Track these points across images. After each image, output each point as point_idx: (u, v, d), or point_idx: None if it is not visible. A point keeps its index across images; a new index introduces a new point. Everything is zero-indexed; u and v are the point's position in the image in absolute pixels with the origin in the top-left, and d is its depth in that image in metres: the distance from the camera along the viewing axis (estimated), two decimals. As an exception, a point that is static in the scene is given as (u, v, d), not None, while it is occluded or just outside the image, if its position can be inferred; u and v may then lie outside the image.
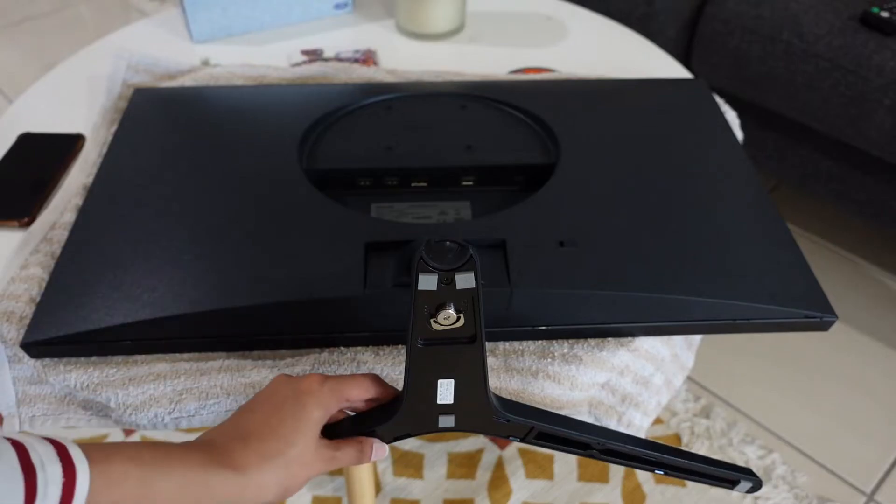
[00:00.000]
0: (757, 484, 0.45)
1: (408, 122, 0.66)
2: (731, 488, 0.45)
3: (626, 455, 0.43)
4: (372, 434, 0.43)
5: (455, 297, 0.37)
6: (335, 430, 0.43)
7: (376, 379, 0.43)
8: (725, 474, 0.44)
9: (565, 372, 0.51)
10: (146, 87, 0.72)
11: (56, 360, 0.50)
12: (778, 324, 0.51)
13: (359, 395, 0.42)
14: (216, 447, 0.40)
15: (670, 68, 0.85)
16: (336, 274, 0.49)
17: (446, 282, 0.36)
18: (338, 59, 0.85)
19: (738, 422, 1.05)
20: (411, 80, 0.78)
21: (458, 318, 0.37)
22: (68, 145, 0.69)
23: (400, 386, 0.42)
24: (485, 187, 0.62)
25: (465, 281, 0.36)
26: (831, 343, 1.16)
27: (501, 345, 0.52)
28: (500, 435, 0.42)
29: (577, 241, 0.52)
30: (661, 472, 0.45)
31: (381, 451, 0.43)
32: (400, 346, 0.52)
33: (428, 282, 0.36)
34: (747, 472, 0.44)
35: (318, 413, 0.40)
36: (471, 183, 0.62)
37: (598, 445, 0.43)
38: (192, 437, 0.42)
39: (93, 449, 0.36)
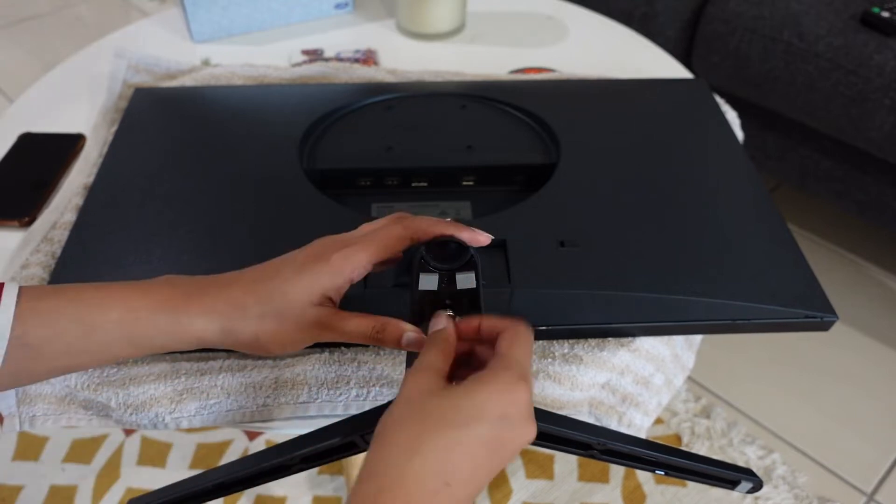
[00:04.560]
0: (757, 484, 0.45)
1: (408, 122, 0.66)
2: (732, 489, 0.45)
3: (626, 455, 0.43)
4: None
5: (456, 297, 0.37)
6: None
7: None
8: (726, 475, 0.44)
9: (566, 372, 0.51)
10: (146, 87, 0.72)
11: (56, 360, 0.50)
12: (778, 324, 0.51)
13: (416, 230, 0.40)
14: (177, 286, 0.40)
15: (670, 68, 0.85)
16: (336, 274, 0.49)
17: (447, 282, 0.36)
18: (338, 58, 0.85)
19: (738, 422, 1.05)
20: (411, 80, 0.78)
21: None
22: (69, 145, 0.69)
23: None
24: (485, 187, 0.62)
25: (465, 281, 0.36)
26: (831, 343, 1.16)
27: (502, 345, 0.52)
28: None
29: (577, 242, 0.52)
30: (662, 473, 0.44)
31: (414, 339, 0.38)
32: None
33: (428, 281, 0.36)
34: (748, 473, 0.44)
35: (331, 274, 0.39)
36: (471, 183, 0.62)
37: (598, 445, 0.42)
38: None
39: (31, 289, 0.39)
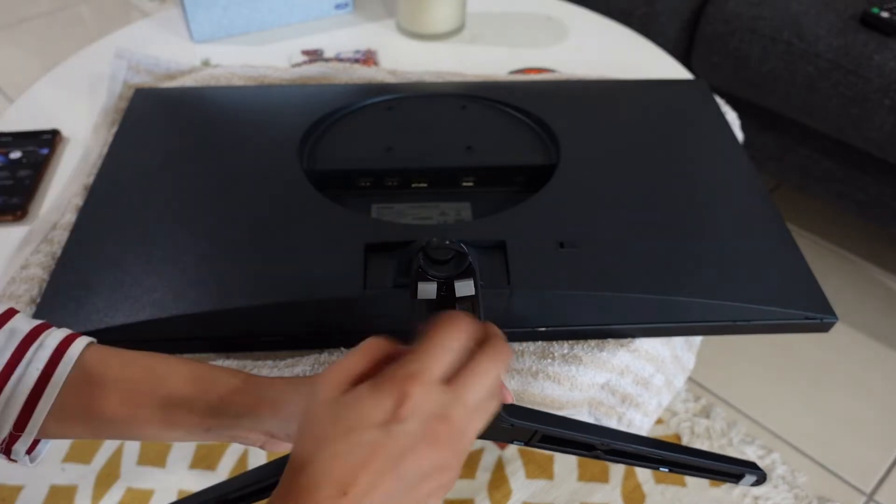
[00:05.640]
0: (761, 477, 0.44)
1: (408, 122, 0.66)
2: (736, 482, 0.45)
3: (630, 454, 0.43)
4: None
5: (455, 303, 0.36)
6: None
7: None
8: (730, 469, 0.44)
9: (565, 372, 0.51)
10: (147, 88, 0.72)
11: (56, 360, 0.50)
12: (778, 325, 0.51)
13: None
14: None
15: (670, 68, 0.85)
16: (336, 274, 0.49)
17: (445, 290, 0.36)
18: (338, 59, 0.85)
19: (738, 422, 1.05)
20: (412, 81, 0.78)
21: None
22: (46, 139, 0.69)
23: None
24: (485, 188, 0.62)
25: (464, 288, 0.36)
26: (831, 343, 1.16)
27: (501, 345, 0.52)
28: (505, 440, 0.42)
29: (577, 243, 0.52)
30: (666, 470, 0.44)
31: None
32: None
33: (427, 290, 0.36)
34: (751, 466, 0.45)
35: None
36: (471, 184, 0.62)
37: (602, 446, 0.42)
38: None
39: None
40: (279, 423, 0.39)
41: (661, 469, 0.44)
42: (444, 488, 0.32)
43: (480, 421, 0.34)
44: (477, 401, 0.33)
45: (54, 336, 0.38)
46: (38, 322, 0.39)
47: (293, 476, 0.30)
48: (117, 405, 0.38)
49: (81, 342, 0.39)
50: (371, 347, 0.34)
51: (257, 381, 0.40)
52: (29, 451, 0.38)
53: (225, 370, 0.41)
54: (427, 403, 0.30)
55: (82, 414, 0.38)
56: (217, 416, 0.39)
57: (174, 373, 0.39)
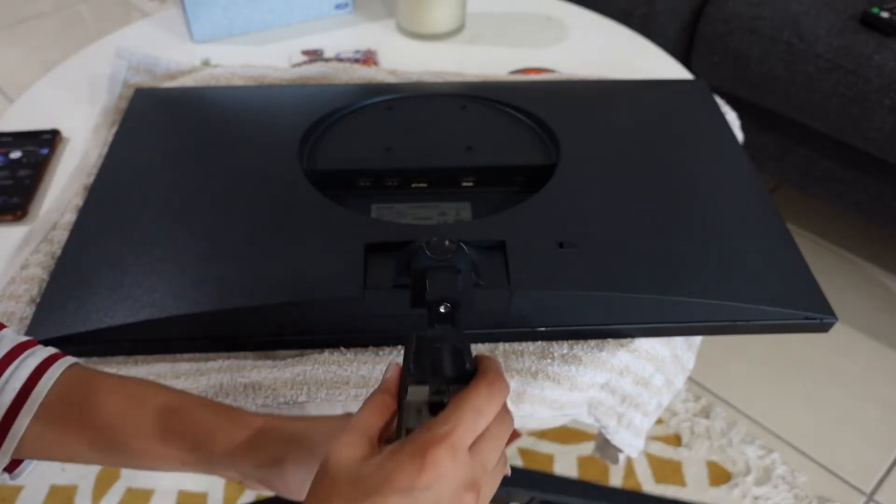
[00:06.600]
0: None
1: (408, 122, 0.66)
2: None
3: None
4: None
5: (452, 392, 0.33)
6: None
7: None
8: None
9: (565, 372, 0.51)
10: (147, 88, 0.72)
11: (56, 360, 0.50)
12: (777, 325, 0.51)
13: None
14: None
15: (670, 68, 0.85)
16: (336, 274, 0.49)
17: (437, 391, 0.33)
18: (338, 59, 0.85)
19: (738, 422, 1.05)
20: (412, 81, 0.79)
21: None
22: (46, 139, 0.69)
23: None
24: (485, 188, 0.62)
25: (459, 389, 0.33)
26: (831, 343, 1.16)
27: (501, 345, 0.52)
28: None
29: (577, 243, 0.52)
30: None
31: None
32: (400, 346, 0.52)
33: (418, 393, 0.33)
34: None
35: None
36: (471, 184, 0.62)
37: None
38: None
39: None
40: (251, 468, 0.38)
41: None
42: None
43: (495, 487, 0.33)
44: (492, 466, 0.32)
45: (34, 357, 0.38)
46: (21, 339, 0.38)
47: None
48: (93, 434, 0.37)
49: (60, 365, 0.38)
50: (381, 403, 0.33)
51: (237, 420, 0.39)
52: (10, 470, 0.37)
53: (209, 404, 0.40)
54: (456, 471, 0.30)
55: (56, 439, 0.37)
56: (193, 451, 0.38)
57: (154, 404, 0.38)
